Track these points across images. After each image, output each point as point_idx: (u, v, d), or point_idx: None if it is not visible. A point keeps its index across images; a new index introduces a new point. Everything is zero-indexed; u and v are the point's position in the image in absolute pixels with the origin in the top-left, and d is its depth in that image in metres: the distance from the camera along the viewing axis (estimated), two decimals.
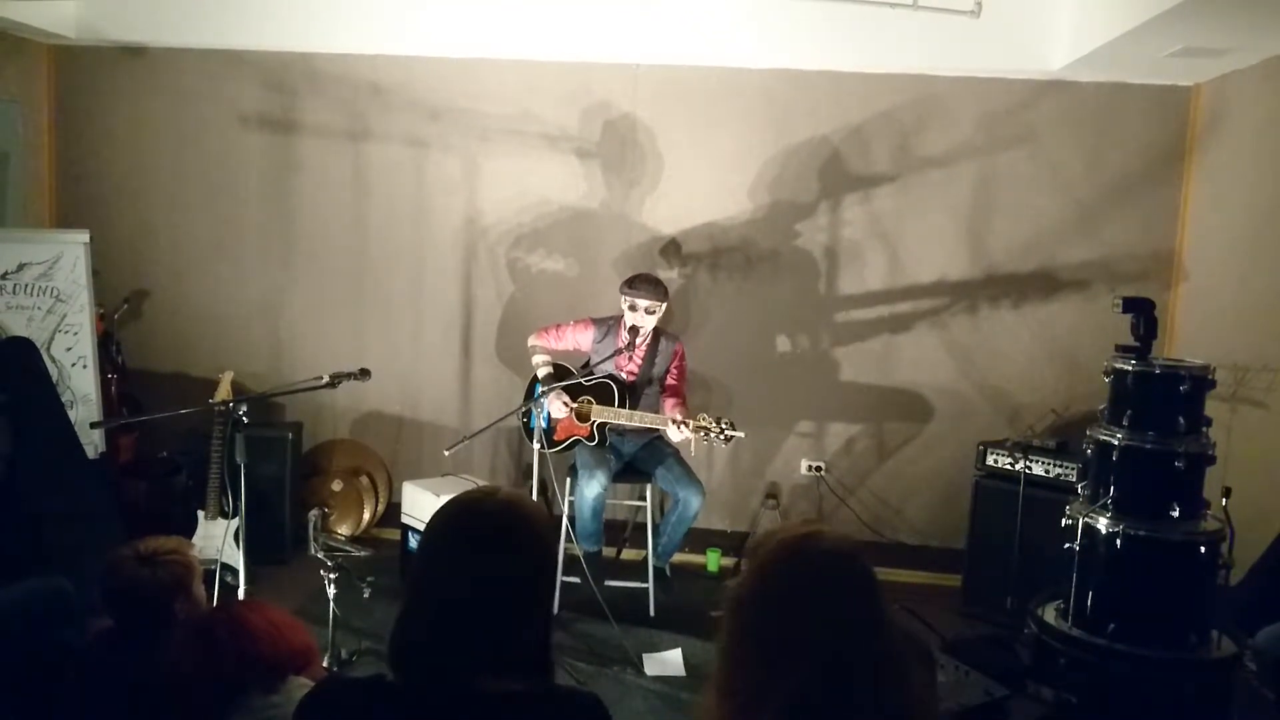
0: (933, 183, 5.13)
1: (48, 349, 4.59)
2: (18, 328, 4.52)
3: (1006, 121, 5.06)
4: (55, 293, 4.64)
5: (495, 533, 1.56)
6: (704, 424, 4.17)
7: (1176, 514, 3.54)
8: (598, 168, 5.28)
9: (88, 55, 5.41)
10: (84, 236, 4.76)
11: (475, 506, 1.61)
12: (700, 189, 5.24)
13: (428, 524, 1.64)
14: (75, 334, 4.69)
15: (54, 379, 4.54)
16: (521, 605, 1.55)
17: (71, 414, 4.55)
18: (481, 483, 4.64)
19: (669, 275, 5.17)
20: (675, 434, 4.26)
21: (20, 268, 4.55)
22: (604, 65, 5.17)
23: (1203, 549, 3.53)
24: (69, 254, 4.68)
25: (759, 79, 5.14)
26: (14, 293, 4.55)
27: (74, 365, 4.69)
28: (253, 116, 5.40)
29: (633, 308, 4.46)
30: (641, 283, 4.49)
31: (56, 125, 5.50)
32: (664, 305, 4.52)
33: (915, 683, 1.47)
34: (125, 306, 5.37)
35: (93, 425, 4.53)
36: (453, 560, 1.56)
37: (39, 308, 4.61)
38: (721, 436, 4.16)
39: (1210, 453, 3.59)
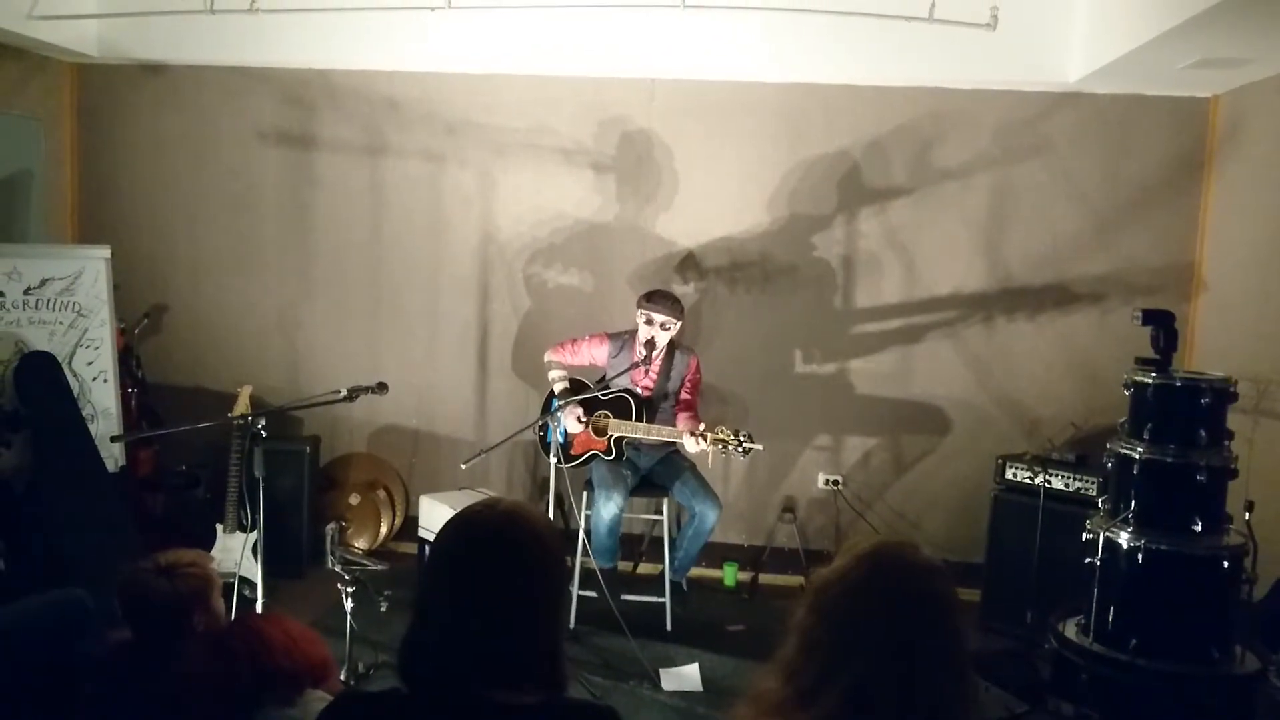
0: (949, 195, 5.12)
1: (69, 363, 4.62)
2: (40, 342, 4.56)
3: (1023, 133, 5.05)
4: (77, 308, 4.68)
5: (498, 543, 1.57)
6: (722, 436, 4.17)
7: (1199, 528, 3.51)
8: (613, 182, 5.29)
9: (109, 73, 5.47)
10: (105, 252, 4.80)
11: (478, 518, 1.61)
12: (716, 203, 5.24)
13: (435, 537, 1.65)
14: (96, 348, 4.72)
15: (75, 393, 4.58)
16: (528, 615, 1.55)
17: (92, 428, 4.58)
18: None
19: (684, 290, 5.17)
20: (693, 446, 4.25)
21: (43, 283, 4.59)
22: (620, 80, 5.20)
23: (1225, 563, 3.50)
24: (90, 269, 4.72)
25: (774, 93, 5.15)
26: (36, 308, 4.59)
27: (95, 379, 4.72)
28: (271, 132, 5.45)
29: (649, 321, 4.46)
30: (660, 298, 4.50)
31: (79, 142, 5.56)
32: (679, 323, 4.52)
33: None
34: (145, 321, 5.41)
35: (113, 439, 4.56)
36: (458, 572, 1.57)
37: (61, 322, 4.65)
38: (740, 449, 4.15)
39: (1232, 466, 3.56)
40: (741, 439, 4.15)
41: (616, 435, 4.44)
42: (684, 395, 4.59)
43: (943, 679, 1.45)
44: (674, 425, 4.46)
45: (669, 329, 4.48)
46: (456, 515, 1.65)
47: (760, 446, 4.21)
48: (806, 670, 1.49)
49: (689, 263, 5.28)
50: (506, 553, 1.56)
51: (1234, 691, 3.49)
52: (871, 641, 1.46)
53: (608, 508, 4.33)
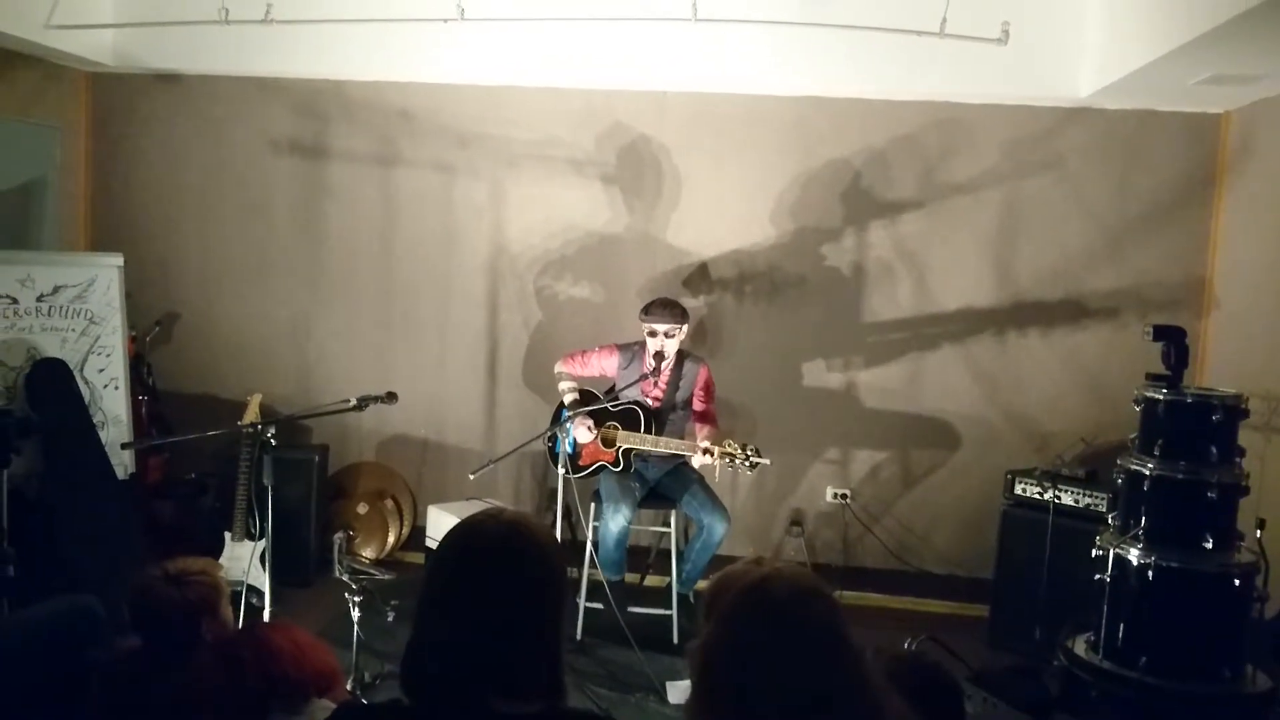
0: (959, 209, 5.12)
1: (80, 370, 4.64)
2: (52, 349, 4.58)
3: (1034, 148, 5.05)
4: (89, 315, 4.71)
5: (500, 553, 1.57)
6: (729, 450, 4.15)
7: (1209, 545, 3.49)
8: (623, 194, 5.30)
9: (124, 82, 5.51)
10: (118, 260, 4.83)
11: (480, 528, 1.61)
12: (726, 214, 5.25)
13: (436, 547, 1.65)
14: (108, 356, 4.75)
15: (86, 400, 4.60)
16: (529, 626, 1.55)
17: (102, 435, 4.60)
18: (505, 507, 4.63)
19: (694, 304, 5.17)
20: (699, 459, 4.25)
21: (55, 290, 4.62)
22: (631, 92, 5.21)
23: (1236, 581, 3.48)
24: (103, 277, 4.75)
25: (786, 106, 5.16)
26: (49, 315, 4.61)
27: (106, 387, 4.74)
28: (284, 142, 5.48)
29: (652, 334, 4.46)
30: (657, 308, 4.48)
31: (93, 150, 5.60)
32: (684, 328, 4.51)
33: (893, 713, 1.45)
34: (157, 329, 5.44)
35: (123, 446, 4.57)
36: (459, 582, 1.57)
37: (73, 330, 4.67)
38: (746, 463, 4.14)
39: (1244, 483, 3.54)
40: (749, 453, 4.14)
41: (625, 447, 4.44)
42: (698, 406, 4.58)
43: (853, 699, 1.40)
44: (684, 436, 4.46)
45: (674, 336, 4.47)
46: (459, 524, 1.64)
47: (767, 461, 4.20)
48: None
49: (698, 274, 5.28)
50: (508, 562, 1.56)
51: (1245, 711, 3.47)
52: (773, 693, 1.39)
53: (615, 520, 4.32)
